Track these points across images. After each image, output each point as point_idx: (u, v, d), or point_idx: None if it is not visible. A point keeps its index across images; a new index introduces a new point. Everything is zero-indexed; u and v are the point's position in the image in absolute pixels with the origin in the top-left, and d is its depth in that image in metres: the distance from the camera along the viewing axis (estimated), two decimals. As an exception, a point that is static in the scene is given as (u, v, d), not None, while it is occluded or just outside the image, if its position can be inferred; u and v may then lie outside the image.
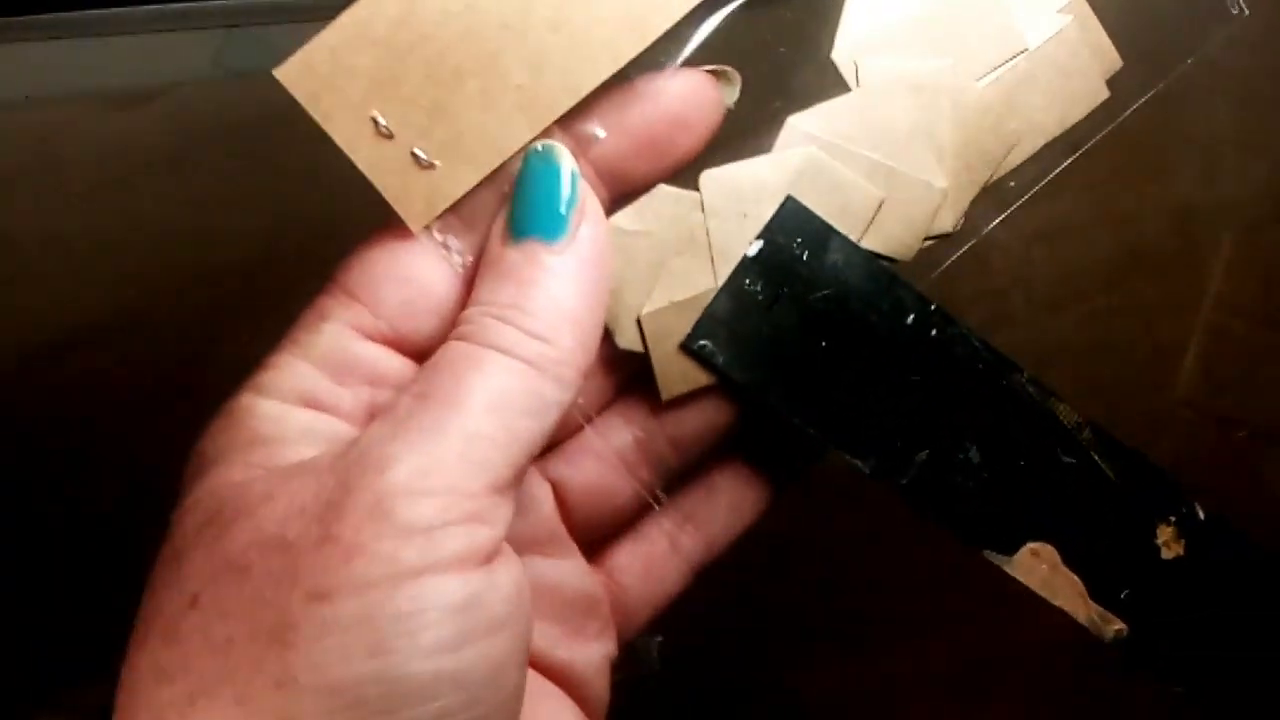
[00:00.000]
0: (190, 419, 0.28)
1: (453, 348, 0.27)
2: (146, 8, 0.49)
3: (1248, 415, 0.57)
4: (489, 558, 0.25)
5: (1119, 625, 0.32)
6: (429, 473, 0.24)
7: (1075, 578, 0.32)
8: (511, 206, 0.28)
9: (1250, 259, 0.57)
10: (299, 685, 0.23)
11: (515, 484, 0.26)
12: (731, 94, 0.31)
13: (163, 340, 0.49)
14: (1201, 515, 0.33)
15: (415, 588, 0.23)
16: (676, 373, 0.31)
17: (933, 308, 0.32)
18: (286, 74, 0.28)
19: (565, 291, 0.27)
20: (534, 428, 0.26)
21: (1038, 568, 0.32)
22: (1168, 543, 0.32)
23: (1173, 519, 0.33)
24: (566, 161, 0.28)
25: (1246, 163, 0.56)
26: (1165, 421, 0.57)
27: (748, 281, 0.31)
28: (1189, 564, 0.32)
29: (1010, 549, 0.32)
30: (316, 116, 0.28)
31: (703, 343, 0.31)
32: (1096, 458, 0.32)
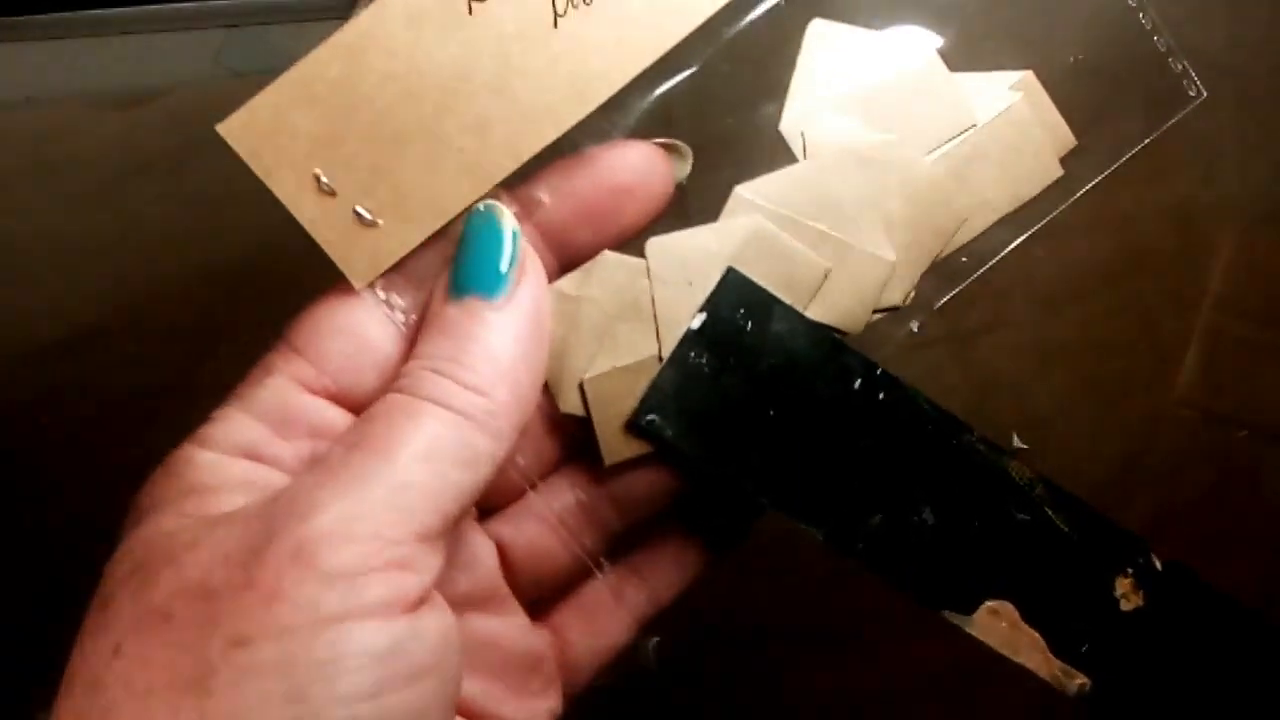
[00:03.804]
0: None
1: (389, 400, 0.27)
2: (146, 8, 0.49)
3: (1248, 415, 0.57)
4: (415, 605, 0.25)
5: (1082, 679, 0.32)
6: (354, 519, 0.24)
7: (1036, 634, 0.32)
8: (453, 265, 0.29)
9: (1250, 259, 0.57)
10: None
11: (445, 533, 0.26)
12: (683, 169, 0.31)
13: (163, 340, 0.49)
14: (1159, 565, 0.33)
15: (335, 634, 0.23)
16: (619, 438, 0.32)
17: (879, 372, 0.32)
18: (228, 129, 0.28)
19: (502, 346, 0.28)
20: (465, 478, 0.26)
21: (997, 626, 0.32)
22: (1126, 594, 0.33)
23: (1130, 571, 0.33)
24: (508, 221, 0.29)
25: (1246, 163, 0.56)
26: (1165, 421, 0.57)
27: (693, 354, 0.31)
28: (1149, 615, 0.33)
29: (969, 608, 0.32)
30: (258, 171, 0.28)
31: (651, 417, 0.31)
32: (1050, 513, 0.32)
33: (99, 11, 0.49)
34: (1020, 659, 0.32)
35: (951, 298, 0.33)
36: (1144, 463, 0.57)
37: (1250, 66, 0.55)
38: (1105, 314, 0.56)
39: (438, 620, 0.26)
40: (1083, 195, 0.33)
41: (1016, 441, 0.53)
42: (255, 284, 0.48)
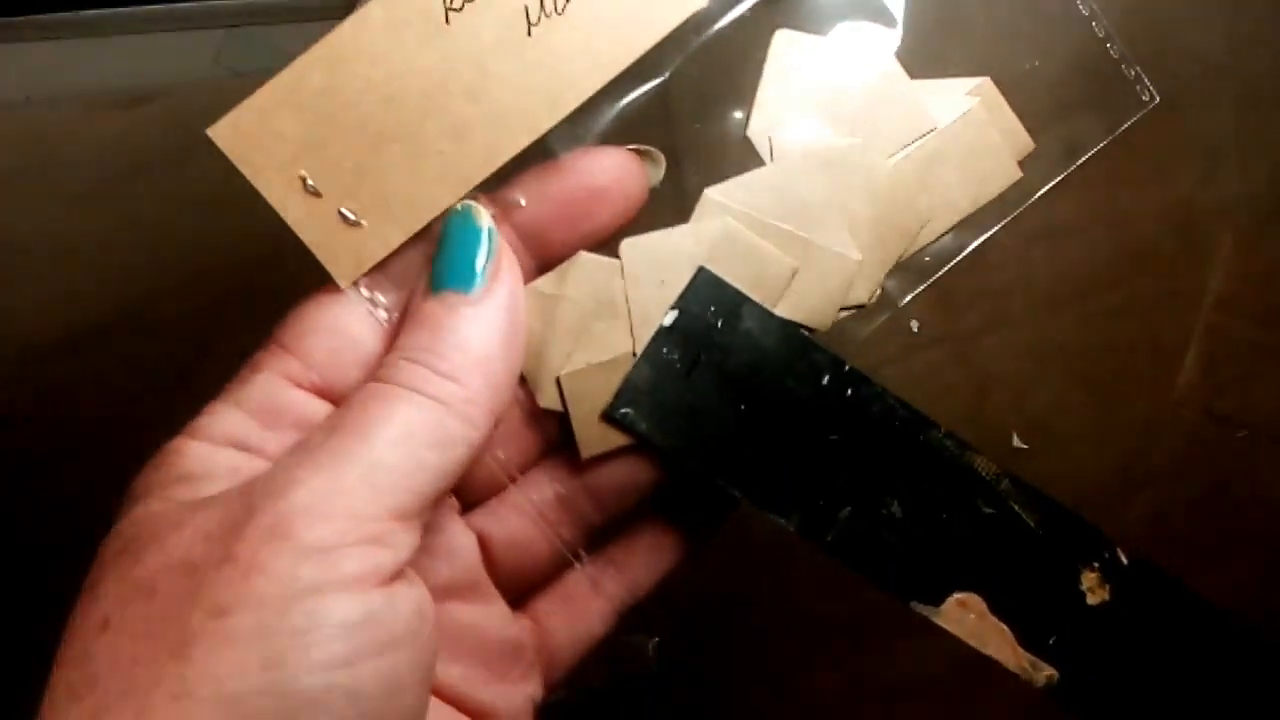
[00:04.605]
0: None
1: (367, 388, 0.28)
2: (146, 8, 0.50)
3: (1248, 415, 0.57)
4: (388, 580, 0.26)
5: (1049, 671, 0.33)
6: (330, 496, 0.25)
7: (1003, 626, 0.32)
8: (433, 262, 0.30)
9: (1250, 259, 0.56)
10: (195, 697, 0.23)
11: (420, 513, 0.27)
12: (656, 174, 0.32)
13: (163, 340, 0.49)
14: (1125, 560, 0.33)
15: (310, 604, 0.24)
16: (596, 432, 0.32)
17: (847, 369, 0.33)
18: (218, 132, 0.29)
19: (477, 337, 0.29)
20: (439, 461, 0.27)
21: (965, 617, 0.32)
22: (1092, 588, 0.33)
23: (1096, 565, 0.33)
24: (484, 220, 0.30)
25: (1246, 163, 0.56)
26: (1165, 421, 0.57)
27: (665, 350, 0.32)
28: (1115, 608, 0.33)
29: (937, 600, 0.32)
30: (247, 173, 0.29)
31: (625, 410, 0.32)
32: (1016, 508, 0.33)
33: (99, 11, 0.49)
34: (989, 650, 0.33)
35: (916, 297, 0.34)
36: (1144, 463, 0.57)
37: (1250, 66, 0.54)
38: (1105, 314, 0.56)
39: (411, 594, 0.26)
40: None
41: (1016, 442, 0.53)
42: (254, 284, 0.48)
